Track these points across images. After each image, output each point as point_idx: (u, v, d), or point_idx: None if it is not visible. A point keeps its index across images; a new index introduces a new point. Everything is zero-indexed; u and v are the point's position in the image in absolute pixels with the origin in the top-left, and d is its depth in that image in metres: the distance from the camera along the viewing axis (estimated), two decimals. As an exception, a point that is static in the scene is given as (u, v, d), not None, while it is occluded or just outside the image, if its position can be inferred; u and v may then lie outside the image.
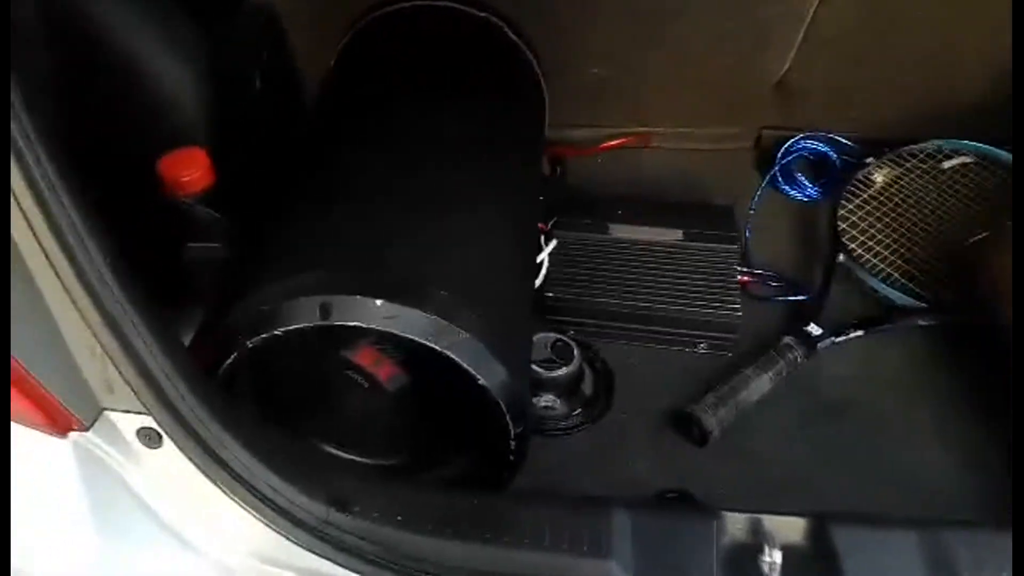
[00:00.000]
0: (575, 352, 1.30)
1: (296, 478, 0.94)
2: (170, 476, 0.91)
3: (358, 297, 0.99)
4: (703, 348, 1.41)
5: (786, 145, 1.67)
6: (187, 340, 1.10)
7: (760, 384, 1.30)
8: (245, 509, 0.92)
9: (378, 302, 0.99)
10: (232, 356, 1.01)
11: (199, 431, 0.91)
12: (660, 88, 1.65)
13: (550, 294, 1.42)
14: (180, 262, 1.18)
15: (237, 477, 0.92)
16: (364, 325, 0.99)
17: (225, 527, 0.94)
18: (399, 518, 0.95)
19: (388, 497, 0.99)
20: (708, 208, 1.57)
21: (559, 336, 1.32)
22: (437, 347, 0.99)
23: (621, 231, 1.56)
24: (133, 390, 0.85)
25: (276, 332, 0.99)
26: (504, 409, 1.04)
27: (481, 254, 1.14)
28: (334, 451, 1.18)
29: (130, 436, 0.90)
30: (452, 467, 1.18)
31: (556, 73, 1.49)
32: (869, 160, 1.60)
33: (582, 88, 1.59)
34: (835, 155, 1.66)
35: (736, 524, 0.87)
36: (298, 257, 1.02)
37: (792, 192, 1.68)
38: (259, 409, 1.13)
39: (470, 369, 1.01)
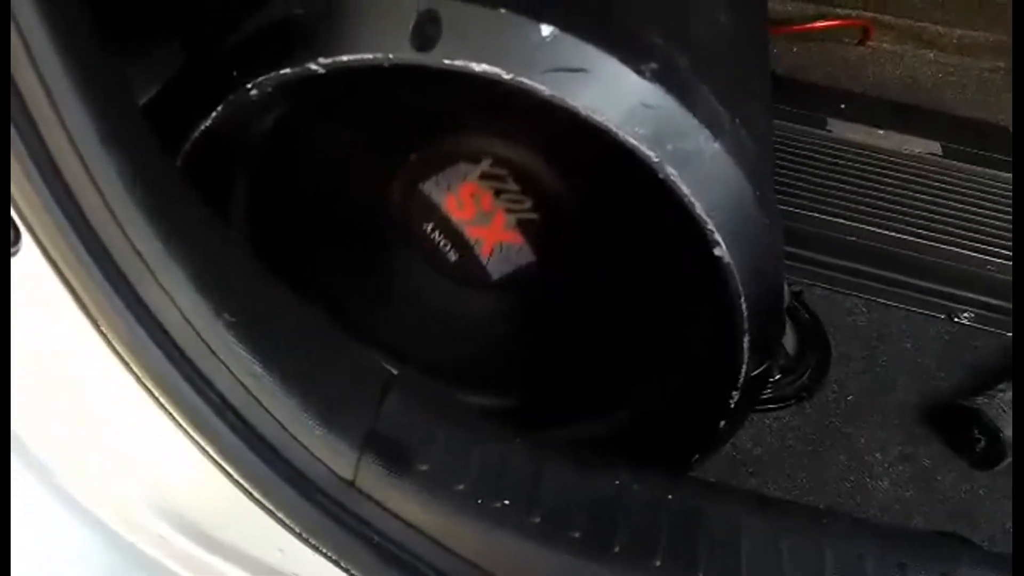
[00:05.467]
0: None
1: (305, 377, 0.41)
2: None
3: (501, 11, 0.45)
4: (967, 317, 0.98)
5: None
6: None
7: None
8: (174, 418, 0.39)
9: (544, 29, 0.45)
10: (213, 112, 0.47)
11: (104, 236, 0.38)
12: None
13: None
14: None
15: (173, 354, 0.39)
16: (503, 75, 0.44)
17: (124, 459, 0.41)
18: (505, 503, 0.46)
19: (488, 458, 0.45)
20: (973, 123, 1.16)
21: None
22: (653, 156, 0.45)
23: (846, 130, 1.10)
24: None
25: (295, 70, 0.46)
26: (744, 321, 0.50)
27: (720, 27, 0.59)
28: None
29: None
30: (605, 424, 0.62)
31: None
32: None
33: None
34: None
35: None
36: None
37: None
38: (251, 242, 0.58)
39: (707, 223, 0.47)
